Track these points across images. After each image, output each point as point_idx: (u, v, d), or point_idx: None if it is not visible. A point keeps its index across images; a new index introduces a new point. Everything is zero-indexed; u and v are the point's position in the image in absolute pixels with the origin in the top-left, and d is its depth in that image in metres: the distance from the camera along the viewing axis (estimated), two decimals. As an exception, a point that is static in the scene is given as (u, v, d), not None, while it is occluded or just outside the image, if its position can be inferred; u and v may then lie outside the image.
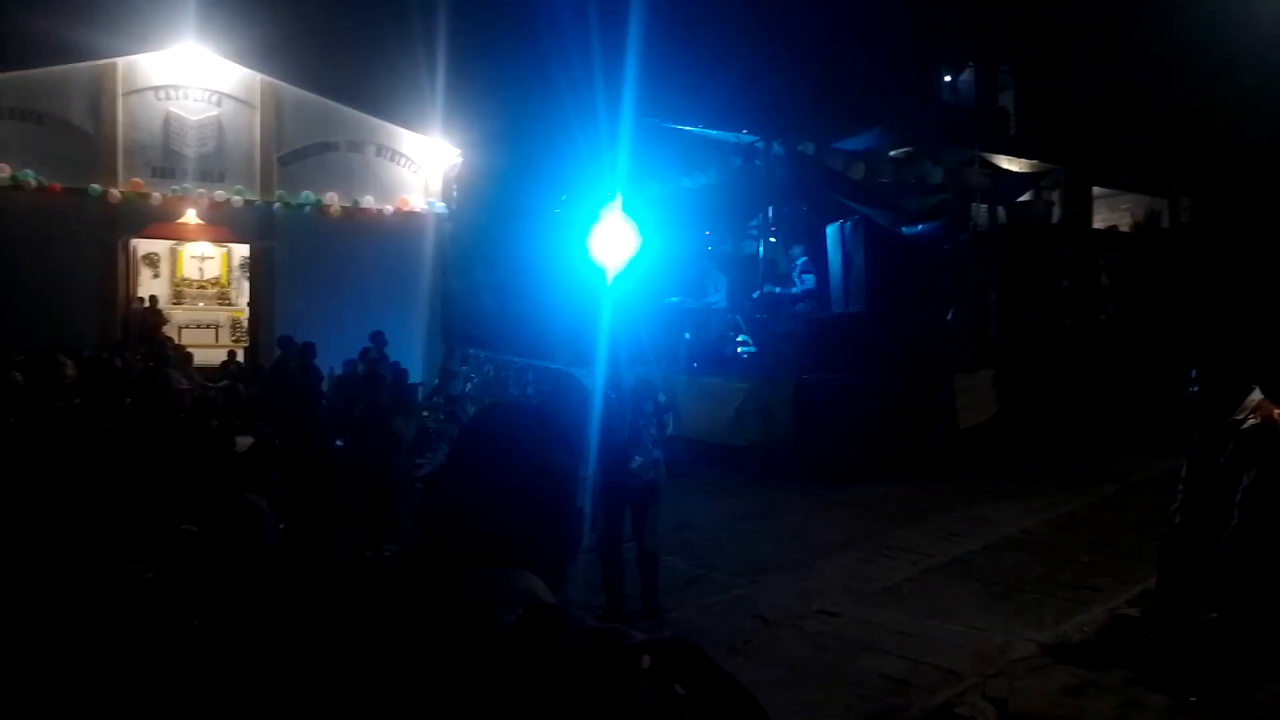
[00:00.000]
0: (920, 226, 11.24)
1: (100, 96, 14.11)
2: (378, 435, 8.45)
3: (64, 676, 3.92)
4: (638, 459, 5.63)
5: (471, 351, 14.50)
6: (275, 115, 15.15)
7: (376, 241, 15.44)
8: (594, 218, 11.20)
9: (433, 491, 1.22)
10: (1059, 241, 15.73)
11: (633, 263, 11.15)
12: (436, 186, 16.14)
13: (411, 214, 15.79)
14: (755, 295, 11.73)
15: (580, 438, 1.16)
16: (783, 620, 5.65)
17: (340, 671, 1.06)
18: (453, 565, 1.10)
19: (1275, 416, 4.50)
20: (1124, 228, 20.67)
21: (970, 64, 21.67)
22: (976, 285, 12.93)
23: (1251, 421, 4.49)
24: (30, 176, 13.43)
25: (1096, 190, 22.35)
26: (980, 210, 14.10)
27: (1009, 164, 18.30)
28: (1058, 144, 20.00)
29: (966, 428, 11.08)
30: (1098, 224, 21.39)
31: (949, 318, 10.70)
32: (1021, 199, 16.39)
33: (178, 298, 17.56)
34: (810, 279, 11.92)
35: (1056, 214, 19.78)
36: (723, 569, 6.69)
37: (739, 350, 11.36)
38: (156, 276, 17.40)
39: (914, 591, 6.16)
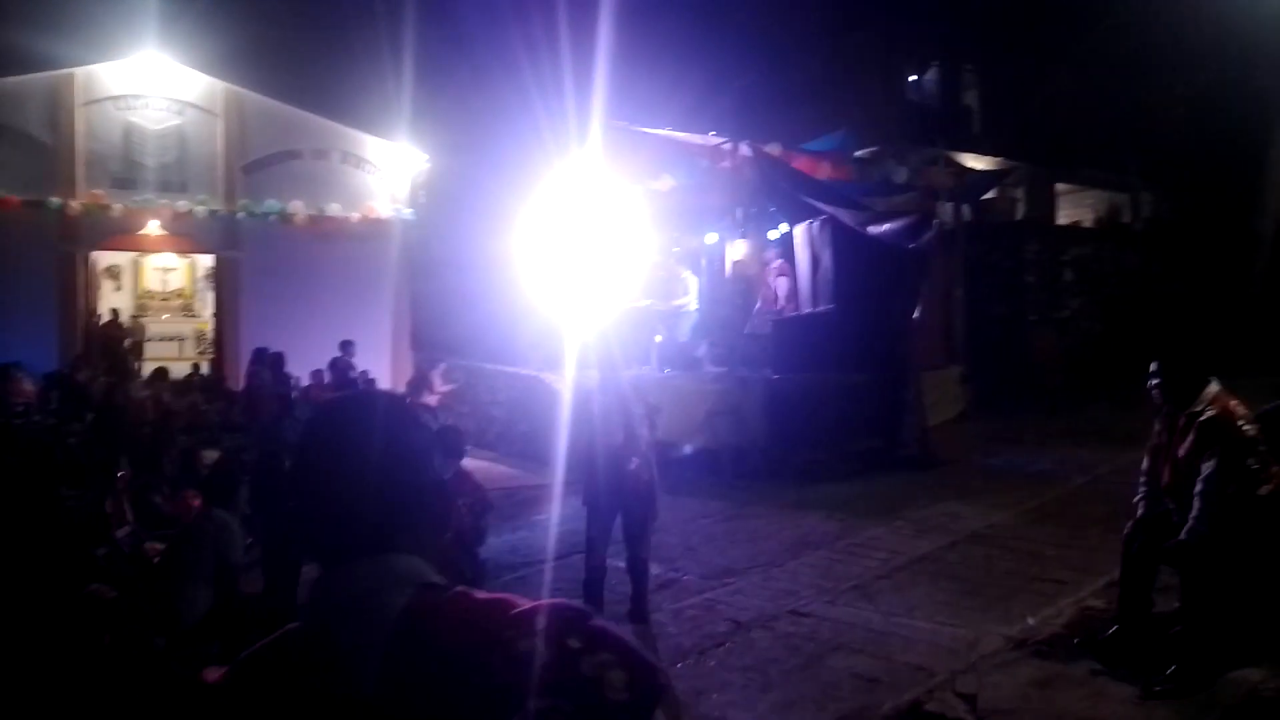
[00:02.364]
0: (886, 225, 11.31)
1: (58, 107, 13.89)
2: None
3: (25, 698, 3.84)
4: (634, 460, 5.59)
5: (440, 359, 14.41)
6: (238, 123, 14.98)
7: (343, 249, 15.31)
8: (561, 221, 11.19)
9: (292, 492, 1.20)
10: (1023, 238, 15.92)
11: (601, 266, 11.15)
12: (403, 193, 16.04)
13: (378, 221, 15.68)
14: (724, 297, 11.78)
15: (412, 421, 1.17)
16: (754, 622, 5.66)
17: (238, 673, 1.08)
18: (329, 560, 1.10)
19: (1232, 408, 4.58)
20: (1087, 223, 20.97)
21: (934, 63, 21.89)
22: (942, 283, 13.07)
23: (1210, 413, 4.57)
24: (-14, 189, 13.19)
25: (1059, 187, 22.69)
26: (945, 208, 14.25)
27: (973, 162, 18.53)
28: (1021, 141, 20.28)
29: (934, 424, 11.18)
30: (1061, 220, 21.70)
31: (916, 315, 10.79)
32: (986, 196, 16.57)
33: (141, 310, 17.33)
34: (785, 283, 11.97)
35: (1020, 211, 20.05)
36: (694, 572, 6.71)
37: (709, 351, 11.38)
38: (119, 289, 17.17)
39: (884, 589, 6.21)
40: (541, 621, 1.01)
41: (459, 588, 1.09)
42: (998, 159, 20.04)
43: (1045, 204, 21.88)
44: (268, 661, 1.07)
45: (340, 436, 1.13)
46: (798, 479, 9.45)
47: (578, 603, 1.06)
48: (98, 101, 14.18)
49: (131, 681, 4.19)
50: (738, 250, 13.12)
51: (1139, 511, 4.98)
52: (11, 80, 13.63)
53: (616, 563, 5.83)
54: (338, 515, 1.10)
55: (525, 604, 1.04)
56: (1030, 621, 5.45)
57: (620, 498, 5.61)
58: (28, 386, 10.73)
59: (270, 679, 1.05)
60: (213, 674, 1.09)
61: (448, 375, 13.49)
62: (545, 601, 1.04)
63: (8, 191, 13.33)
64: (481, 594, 1.08)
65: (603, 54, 10.89)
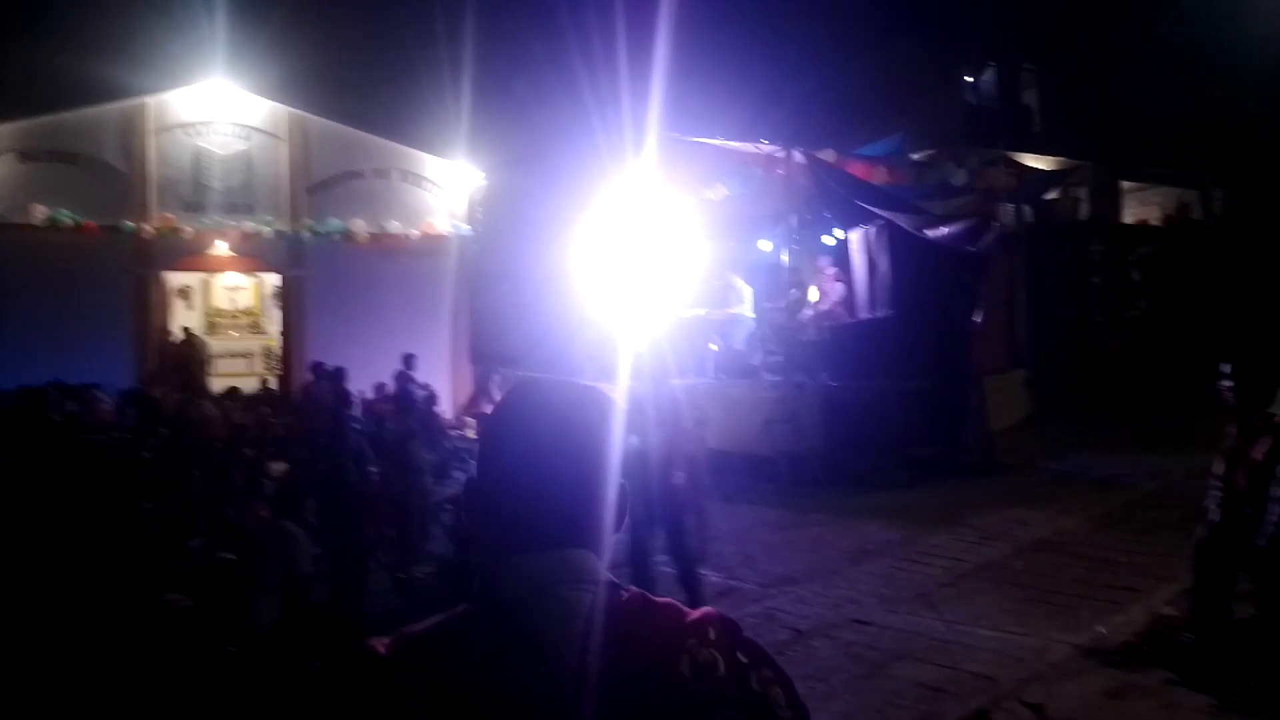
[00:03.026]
0: (945, 229, 11.16)
1: (131, 135, 14.43)
2: (409, 458, 8.53)
3: (103, 706, 3.99)
4: (679, 474, 5.61)
5: (501, 371, 14.60)
6: (302, 147, 15.40)
7: (403, 265, 15.61)
8: (616, 232, 11.26)
9: (471, 478, 1.19)
10: (1087, 238, 15.52)
11: (656, 276, 11.19)
12: (461, 209, 16.31)
13: (437, 237, 15.96)
14: (781, 304, 11.71)
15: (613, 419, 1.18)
16: (815, 630, 5.62)
17: (411, 647, 1.05)
18: (500, 550, 1.09)
19: (1309, 409, 4.43)
20: (1154, 221, 20.38)
21: (992, 64, 21.54)
22: (1005, 286, 12.83)
23: (1285, 415, 4.43)
24: (66, 216, 13.76)
25: (1125, 185, 22.09)
26: (1006, 210, 13.98)
27: (1034, 162, 18.15)
28: (1083, 140, 19.81)
29: (998, 429, 10.97)
30: (1127, 219, 21.12)
31: (977, 319, 10.60)
32: (1047, 197, 16.22)
33: (211, 328, 17.87)
34: (841, 288, 11.87)
35: (1084, 210, 19.57)
36: (753, 580, 6.67)
37: (765, 360, 11.34)
38: (190, 308, 17.73)
39: (948, 597, 6.10)
40: (713, 632, 1.04)
41: (632, 590, 1.10)
42: (1059, 158, 19.61)
43: (1110, 203, 21.33)
44: (444, 640, 1.06)
45: (547, 425, 1.12)
46: (857, 486, 9.35)
47: (724, 614, 1.09)
48: (168, 129, 14.71)
49: (206, 687, 4.32)
50: (793, 258, 13.05)
51: (1214, 517, 4.83)
52: (87, 111, 14.22)
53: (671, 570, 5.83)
54: (530, 504, 1.09)
55: (692, 611, 1.08)
56: (1101, 630, 5.31)
57: (662, 510, 5.62)
58: (106, 405, 11.16)
59: (447, 657, 1.03)
60: (380, 644, 1.06)
61: (504, 386, 13.66)
62: (705, 610, 1.08)
63: (85, 218, 13.89)
64: (654, 598, 1.10)
65: (658, 66, 10.95)
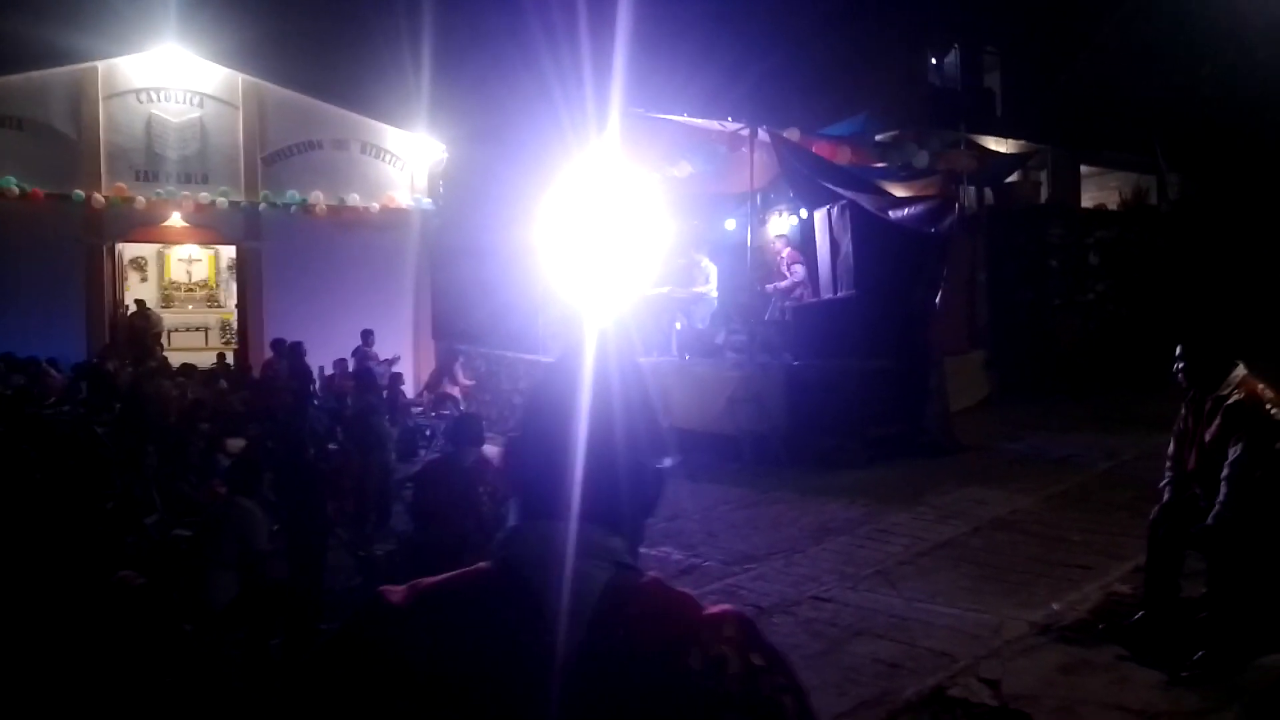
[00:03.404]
0: (907, 210, 11.22)
1: (81, 100, 14.02)
2: (370, 434, 8.45)
3: (56, 684, 3.91)
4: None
5: (463, 347, 14.48)
6: (258, 115, 15.07)
7: (364, 239, 15.40)
8: (580, 209, 11.18)
9: (512, 436, 1.17)
10: (1046, 221, 15.70)
11: (620, 253, 11.14)
12: (423, 183, 16.10)
13: (398, 211, 15.75)
14: (744, 283, 11.74)
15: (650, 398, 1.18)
16: (776, 607, 5.66)
17: (425, 598, 1.05)
18: (526, 514, 1.09)
19: (1259, 391, 4.52)
20: (1112, 206, 20.68)
21: (955, 45, 21.64)
22: (965, 267, 12.96)
23: (1236, 396, 4.52)
24: (12, 183, 13.36)
25: (1084, 169, 22.39)
26: (968, 192, 14.11)
27: (996, 145, 18.33)
28: (1044, 124, 20.02)
29: (957, 410, 11.11)
30: (1086, 203, 21.41)
31: (938, 301, 10.70)
32: (1008, 180, 16.39)
33: (166, 301, 17.52)
34: (800, 270, 11.93)
35: (1044, 194, 19.82)
36: (715, 558, 6.71)
37: (729, 338, 11.36)
38: (145, 280, 17.36)
39: (907, 575, 6.18)
40: (729, 629, 1.02)
41: (653, 574, 1.09)
42: (1020, 142, 19.80)
43: (1069, 187, 21.61)
44: (459, 595, 1.05)
45: (590, 398, 1.11)
46: (819, 465, 9.43)
47: (744, 613, 1.06)
48: (119, 95, 14.31)
49: (161, 665, 4.25)
50: (757, 237, 13.07)
51: (1165, 496, 4.93)
52: (34, 75, 13.78)
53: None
54: (560, 473, 1.08)
55: (710, 606, 1.06)
56: (1055, 607, 5.41)
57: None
58: (56, 379, 10.89)
59: (456, 612, 1.03)
60: (395, 593, 1.05)
61: (467, 367, 13.56)
62: (725, 607, 1.06)
63: (33, 185, 13.49)
64: (671, 586, 1.08)
65: (621, 41, 10.83)
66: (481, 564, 1.09)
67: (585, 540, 1.06)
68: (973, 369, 12.67)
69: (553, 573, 1.03)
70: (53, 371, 11.06)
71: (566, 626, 1.00)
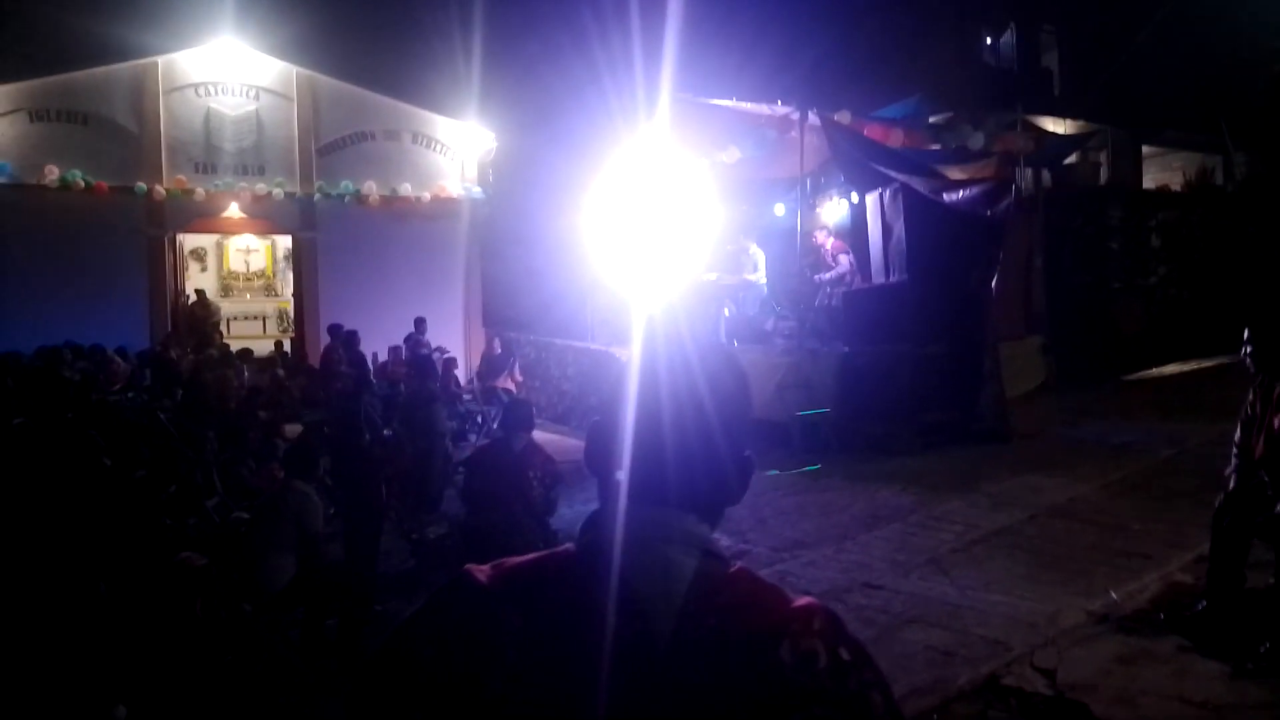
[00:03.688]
0: (962, 193, 11.01)
1: (142, 95, 14.36)
2: (423, 420, 8.56)
3: (119, 663, 4.04)
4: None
5: (511, 334, 14.59)
6: (312, 107, 15.30)
7: (415, 228, 15.57)
8: (629, 196, 11.16)
9: (596, 421, 1.17)
10: (1106, 203, 15.30)
11: (669, 240, 11.11)
12: (473, 172, 16.22)
13: (449, 200, 15.89)
14: (793, 269, 11.64)
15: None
16: (827, 595, 5.62)
17: (511, 578, 1.05)
18: (612, 499, 1.08)
19: (1331, 376, 4.37)
20: (1175, 187, 20.08)
21: (1011, 24, 21.15)
22: (1022, 251, 12.67)
23: (1306, 382, 4.37)
24: (78, 177, 13.74)
25: (1146, 149, 21.76)
26: (1024, 174, 13.79)
27: (1053, 126, 17.89)
28: (1104, 103, 19.48)
29: (1013, 396, 10.90)
30: (1148, 184, 20.83)
31: (992, 285, 10.50)
32: (1067, 161, 15.99)
33: (225, 290, 17.92)
34: (846, 259, 11.80)
35: (1104, 175, 19.30)
36: (765, 544, 6.68)
37: (778, 325, 11.29)
38: (204, 270, 17.77)
39: (960, 563, 6.10)
40: (818, 622, 1.01)
41: (739, 566, 1.08)
42: (1079, 122, 19.30)
43: (1130, 168, 21.02)
44: (543, 577, 1.05)
45: (680, 383, 1.10)
46: (870, 452, 9.33)
47: (829, 607, 1.05)
48: (179, 89, 14.63)
49: (222, 643, 4.37)
50: (806, 222, 12.95)
51: (1230, 484, 4.79)
52: (97, 71, 14.14)
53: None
54: (648, 459, 1.07)
55: (798, 598, 1.05)
56: (1113, 596, 5.29)
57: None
58: (121, 366, 11.21)
59: (545, 594, 1.03)
60: (481, 572, 1.05)
61: (524, 367, 13.62)
62: (812, 600, 1.05)
63: (97, 178, 13.87)
64: (758, 576, 1.08)
65: (671, 27, 10.78)
66: (566, 546, 1.09)
67: (674, 527, 1.05)
68: (1029, 354, 12.39)
69: (642, 559, 1.02)
70: (117, 359, 11.38)
71: (659, 615, 0.99)
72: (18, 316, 12.70)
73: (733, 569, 1.06)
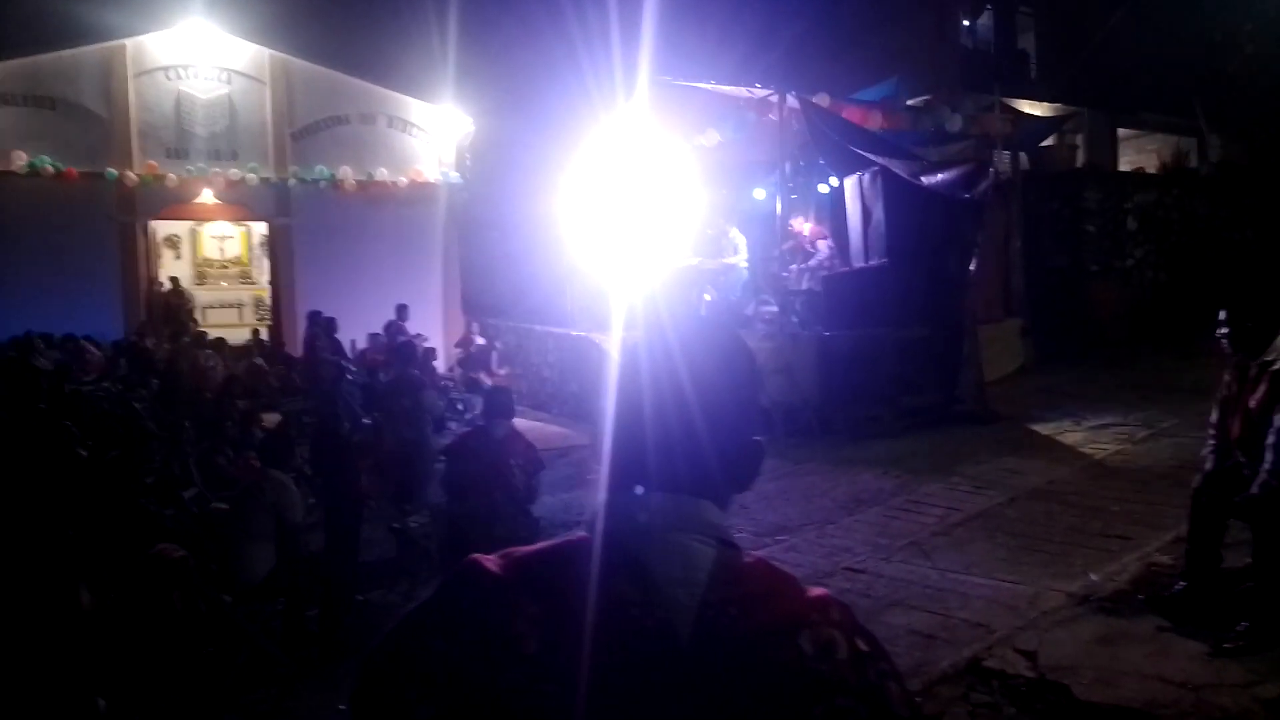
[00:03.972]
0: (940, 175, 11.03)
1: (111, 78, 14.10)
2: (406, 408, 8.49)
3: (99, 655, 3.98)
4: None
5: (490, 321, 14.51)
6: (285, 91, 15.09)
7: (392, 214, 15.43)
8: (608, 179, 11.10)
9: (615, 410, 1.14)
10: (1083, 186, 15.39)
11: (649, 224, 11.07)
12: (450, 156, 16.07)
13: (425, 185, 15.75)
14: (775, 254, 11.63)
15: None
16: (809, 579, 5.58)
17: (522, 568, 1.02)
18: (630, 484, 1.05)
19: (1308, 357, 4.40)
20: (1151, 169, 20.23)
21: (988, 6, 21.17)
22: (1000, 234, 12.73)
23: (1283, 363, 4.40)
24: (46, 162, 13.50)
25: (1121, 132, 21.89)
26: (1002, 157, 13.83)
27: (1030, 108, 17.94)
28: (1080, 86, 19.56)
29: (992, 379, 10.97)
30: (1124, 166, 20.96)
31: (972, 268, 10.54)
32: (1044, 144, 16.05)
33: (200, 278, 17.68)
34: (825, 244, 11.80)
35: (1080, 158, 19.39)
36: (748, 529, 6.69)
37: (759, 309, 11.28)
38: (178, 258, 17.53)
39: (941, 546, 6.13)
40: (834, 613, 1.00)
41: (755, 556, 1.06)
42: (1056, 104, 19.38)
43: (1106, 150, 21.14)
44: (556, 564, 1.03)
45: (688, 366, 1.07)
46: (852, 436, 9.37)
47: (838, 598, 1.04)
48: (149, 72, 14.38)
49: (202, 635, 4.32)
50: (786, 207, 12.94)
51: (1207, 465, 4.83)
52: (64, 54, 13.86)
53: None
54: (658, 444, 1.04)
55: (812, 588, 1.03)
56: (1093, 577, 5.34)
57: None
58: (96, 355, 11.06)
59: (560, 581, 1.00)
60: (491, 561, 1.02)
61: (503, 356, 13.54)
62: (825, 591, 1.03)
63: (66, 164, 13.62)
64: (776, 565, 1.06)
65: (649, 8, 10.69)
66: (578, 534, 1.06)
67: (690, 514, 1.03)
68: (1008, 337, 12.49)
69: (660, 547, 1.00)
70: (92, 348, 11.23)
71: (679, 604, 0.97)
72: (-12, 305, 12.49)
73: (749, 558, 1.05)
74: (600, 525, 1.04)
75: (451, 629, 0.99)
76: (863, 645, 0.98)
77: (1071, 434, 9.26)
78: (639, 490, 1.04)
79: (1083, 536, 6.15)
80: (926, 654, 4.57)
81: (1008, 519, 6.66)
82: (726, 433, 1.07)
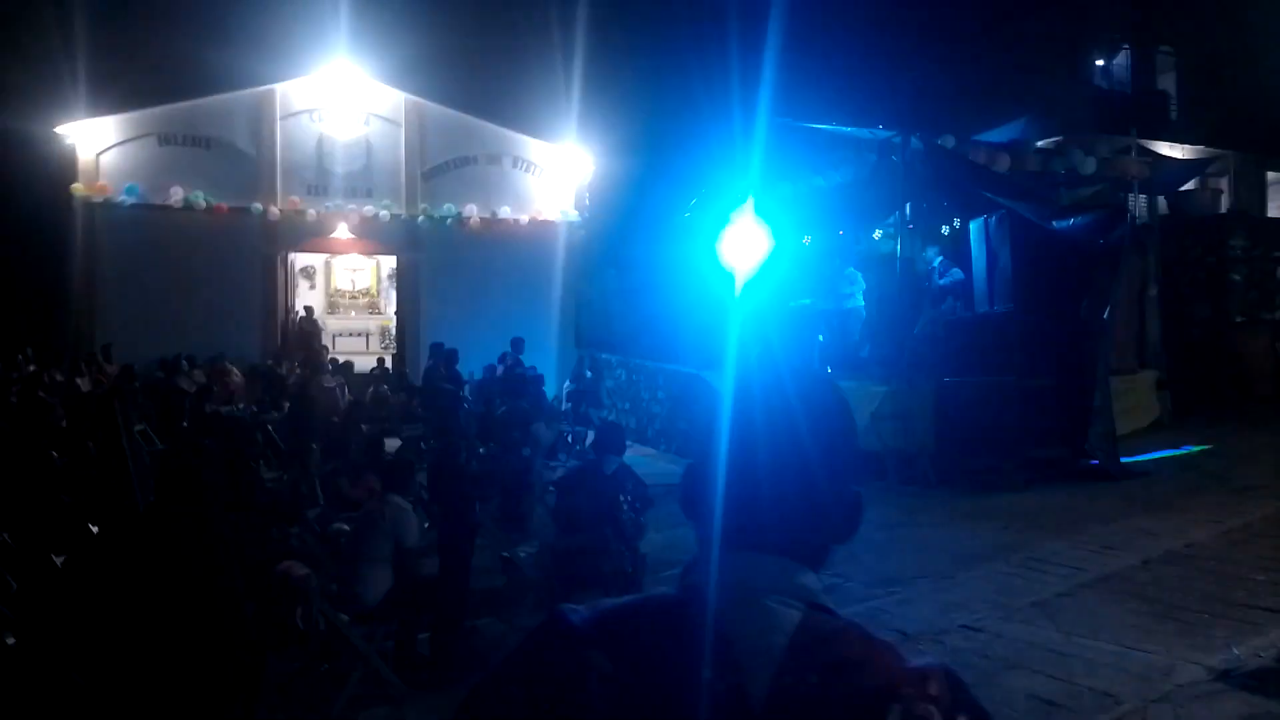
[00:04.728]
0: (1072, 220, 10.63)
1: (261, 120, 15.10)
2: (517, 439, 8.67)
3: (213, 674, 4.16)
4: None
5: (603, 356, 14.69)
6: (418, 132, 15.83)
7: (513, 250, 15.90)
8: (725, 220, 11.15)
9: (691, 463, 1.16)
10: (1228, 232, 14.56)
11: (765, 264, 11.03)
12: (570, 195, 16.49)
13: (546, 223, 16.18)
14: (892, 295, 11.40)
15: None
16: (922, 634, 5.44)
17: (606, 622, 1.01)
18: (710, 543, 1.02)
19: None
20: (1305, 215, 19.00)
21: (1125, 45, 20.41)
22: (1136, 281, 12.15)
23: None
24: (200, 198, 14.50)
25: (1271, 175, 20.67)
26: (1139, 201, 13.25)
27: (1170, 150, 17.16)
28: (1225, 127, 18.60)
29: (1125, 433, 10.42)
30: (1273, 212, 19.74)
31: (1105, 316, 10.07)
32: (1185, 188, 15.30)
33: (332, 307, 18.59)
34: (958, 272, 11.42)
35: (1225, 203, 18.39)
36: (858, 579, 6.50)
37: (875, 352, 11.06)
38: (313, 288, 18.48)
39: (1066, 608, 5.82)
40: (935, 686, 0.94)
41: (848, 620, 1.02)
42: (1198, 147, 18.47)
43: (1255, 195, 19.98)
44: (638, 622, 1.01)
45: (780, 419, 1.04)
46: (970, 486, 9.03)
47: (955, 670, 0.98)
48: (294, 114, 15.33)
49: (320, 654, 4.47)
50: (906, 249, 12.70)
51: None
52: (220, 98, 14.95)
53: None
54: (747, 502, 1.02)
55: (914, 660, 0.99)
56: (1235, 651, 4.96)
57: None
58: (236, 379, 11.73)
59: (637, 640, 0.99)
60: (576, 613, 1.03)
61: (595, 370, 13.68)
62: (932, 661, 0.98)
63: (218, 199, 14.61)
64: (870, 631, 1.02)
65: (771, 50, 10.76)
66: (665, 591, 1.04)
67: (776, 577, 1.00)
68: (1143, 389, 11.85)
69: (739, 609, 0.97)
70: (234, 371, 11.91)
71: (755, 671, 0.94)
72: (141, 328, 13.45)
73: (841, 623, 1.00)
74: (684, 583, 1.02)
75: (529, 680, 0.99)
76: None
77: (1212, 494, 8.68)
78: (727, 549, 1.01)
79: (1223, 606, 5.73)
80: (1048, 721, 4.33)
81: (1140, 583, 6.27)
82: (821, 488, 1.03)
